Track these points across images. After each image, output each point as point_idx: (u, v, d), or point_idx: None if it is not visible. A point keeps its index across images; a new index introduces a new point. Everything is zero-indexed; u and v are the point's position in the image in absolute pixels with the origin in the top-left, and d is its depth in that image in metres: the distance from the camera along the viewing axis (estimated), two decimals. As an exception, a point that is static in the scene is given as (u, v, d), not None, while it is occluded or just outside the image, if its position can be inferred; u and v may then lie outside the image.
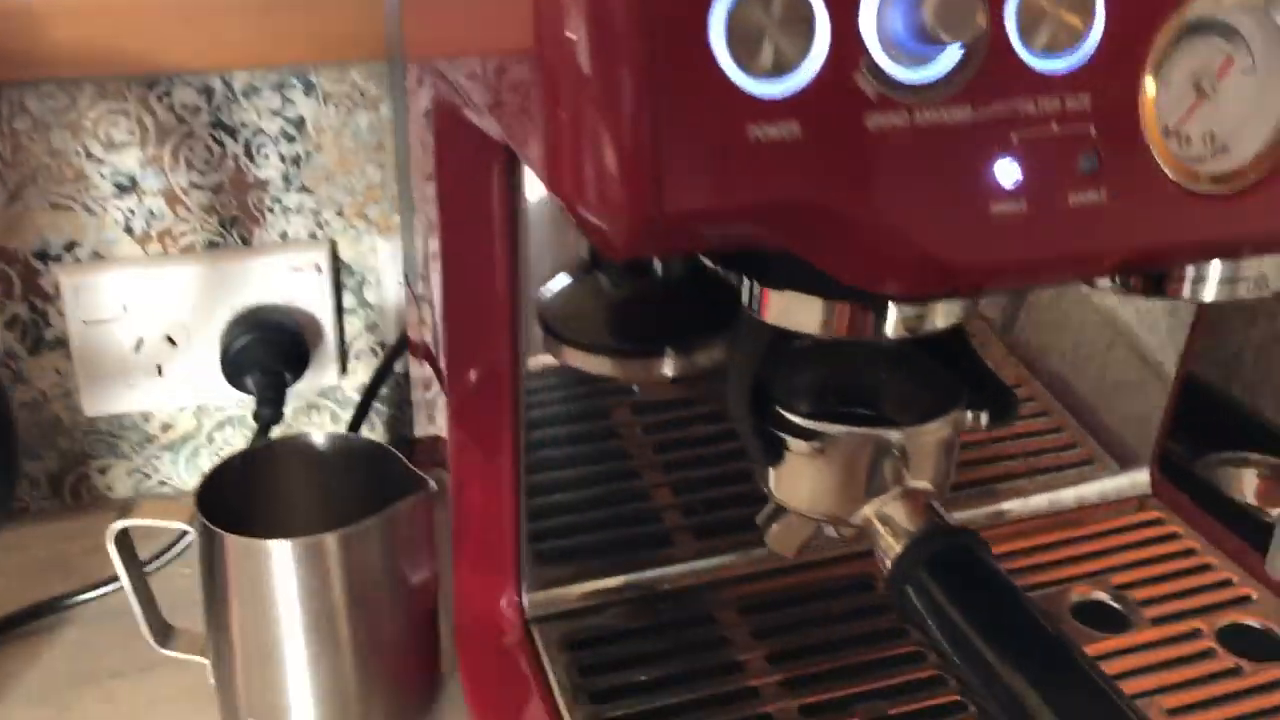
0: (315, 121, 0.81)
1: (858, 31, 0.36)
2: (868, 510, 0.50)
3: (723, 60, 0.35)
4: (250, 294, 0.82)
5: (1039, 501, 0.75)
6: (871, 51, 0.36)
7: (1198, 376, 0.93)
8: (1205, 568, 0.69)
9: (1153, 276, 0.51)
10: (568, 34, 0.35)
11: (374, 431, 0.90)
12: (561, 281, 0.45)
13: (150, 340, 0.81)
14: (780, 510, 0.53)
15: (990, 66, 0.38)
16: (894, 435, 0.49)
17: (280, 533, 0.65)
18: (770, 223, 0.38)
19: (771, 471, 0.52)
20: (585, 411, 0.69)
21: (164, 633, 0.67)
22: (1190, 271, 0.50)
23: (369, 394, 0.85)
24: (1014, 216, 0.39)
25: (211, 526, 0.60)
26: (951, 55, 0.37)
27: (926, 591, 0.46)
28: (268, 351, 0.80)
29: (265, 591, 0.61)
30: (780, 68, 0.36)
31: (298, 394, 0.87)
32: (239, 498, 0.66)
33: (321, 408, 0.88)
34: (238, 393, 0.82)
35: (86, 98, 0.76)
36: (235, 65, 0.77)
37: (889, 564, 0.48)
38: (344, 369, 0.88)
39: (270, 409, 0.78)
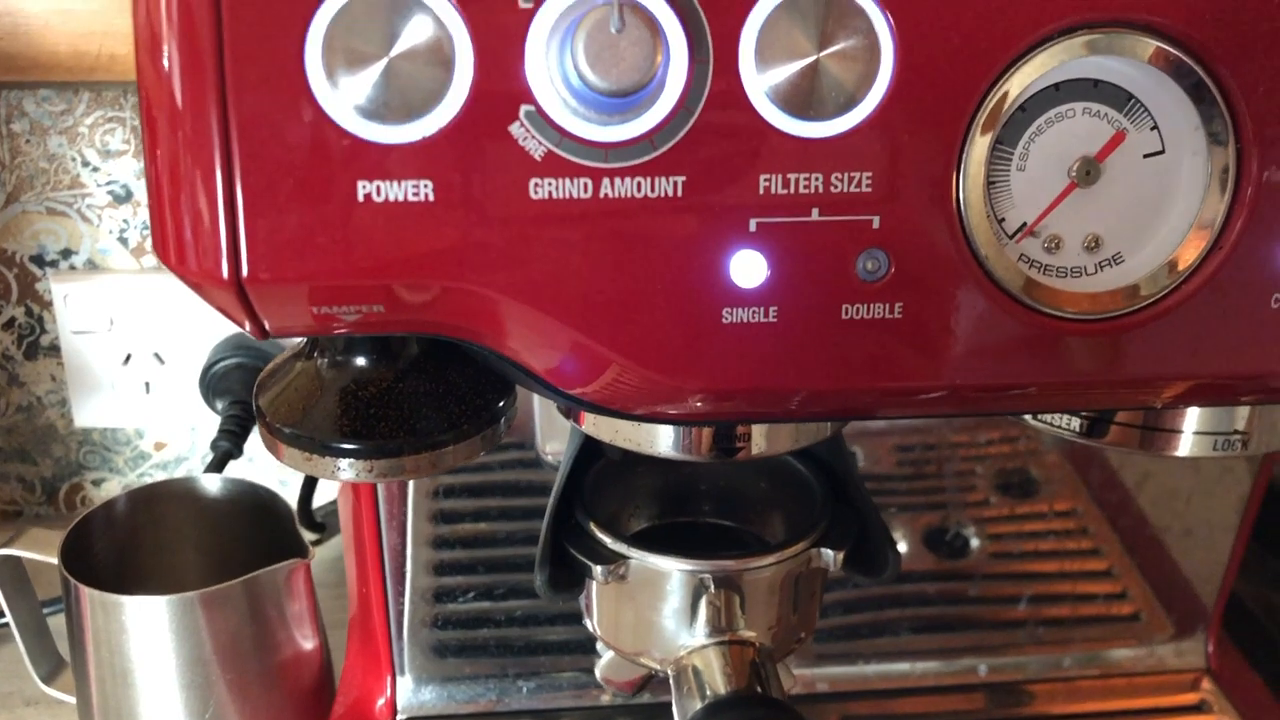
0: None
1: (520, 71, 0.27)
2: (683, 657, 0.40)
3: (325, 98, 0.27)
4: (241, 317, 0.78)
5: (1060, 657, 0.61)
6: (538, 97, 0.27)
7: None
8: (1241, 783, 0.53)
9: (1089, 417, 0.39)
10: (162, 62, 0.28)
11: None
12: (282, 361, 0.37)
13: (139, 356, 0.78)
14: (611, 642, 0.43)
15: (715, 124, 0.27)
16: (708, 569, 0.39)
17: (157, 583, 0.60)
18: (409, 306, 0.29)
19: (593, 596, 0.42)
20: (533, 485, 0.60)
21: (51, 668, 0.63)
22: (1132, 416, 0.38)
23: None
24: (755, 330, 0.29)
25: (69, 576, 0.56)
26: (658, 106, 0.27)
27: None
28: (244, 380, 0.76)
29: (120, 648, 0.56)
30: (405, 109, 0.27)
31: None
32: (120, 541, 0.61)
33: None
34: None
35: (83, 104, 0.74)
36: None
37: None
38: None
39: (229, 442, 0.73)
